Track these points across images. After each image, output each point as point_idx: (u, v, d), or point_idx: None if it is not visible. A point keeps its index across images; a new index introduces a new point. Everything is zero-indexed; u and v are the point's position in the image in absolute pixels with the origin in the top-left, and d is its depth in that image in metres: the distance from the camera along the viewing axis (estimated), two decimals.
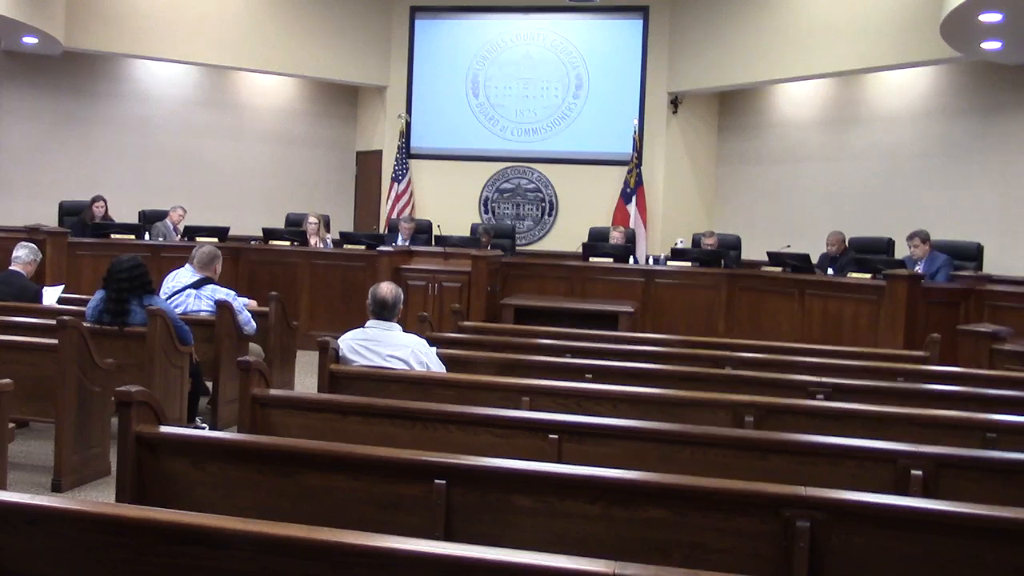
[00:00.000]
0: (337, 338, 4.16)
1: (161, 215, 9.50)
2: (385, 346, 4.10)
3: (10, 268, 5.86)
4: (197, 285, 5.71)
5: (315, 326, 8.39)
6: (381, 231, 10.93)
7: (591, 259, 9.02)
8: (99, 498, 4.23)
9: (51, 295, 6.09)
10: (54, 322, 4.39)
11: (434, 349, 4.33)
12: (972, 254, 7.61)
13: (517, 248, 10.43)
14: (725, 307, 8.40)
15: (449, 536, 2.40)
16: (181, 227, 9.29)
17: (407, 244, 9.27)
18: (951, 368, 5.04)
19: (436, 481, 2.44)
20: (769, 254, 8.49)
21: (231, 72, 11.30)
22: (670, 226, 10.85)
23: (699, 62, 10.59)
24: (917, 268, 7.14)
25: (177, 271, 5.85)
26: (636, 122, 10.83)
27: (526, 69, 11.36)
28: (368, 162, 12.17)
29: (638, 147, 10.74)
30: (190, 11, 10.37)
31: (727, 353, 5.09)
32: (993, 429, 3.37)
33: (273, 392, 3.42)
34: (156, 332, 4.82)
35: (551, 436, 3.05)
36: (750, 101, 10.92)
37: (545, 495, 2.40)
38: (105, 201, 9.42)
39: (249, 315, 5.70)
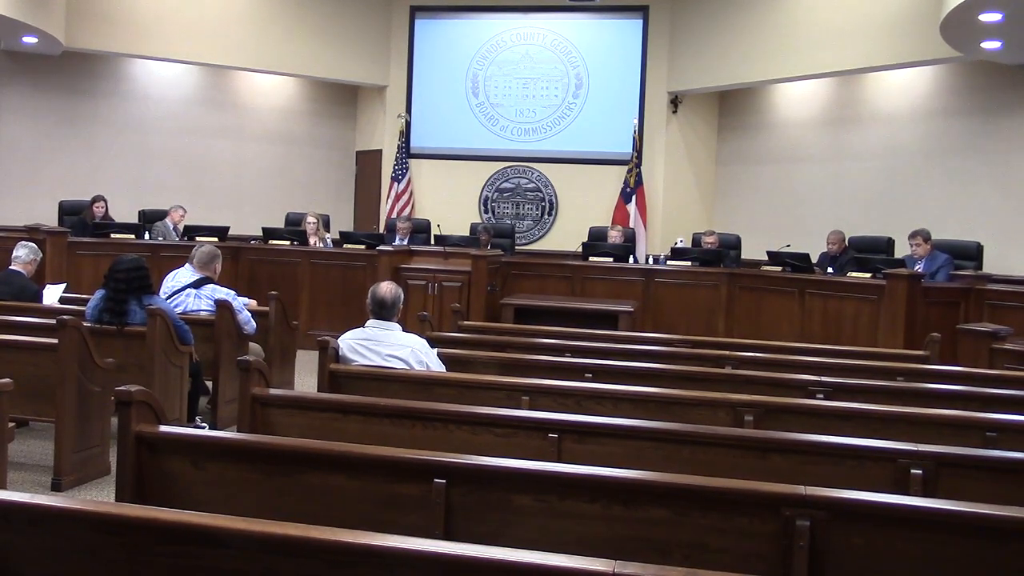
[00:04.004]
0: (337, 338, 4.16)
1: (161, 215, 9.51)
2: (385, 346, 4.10)
3: (10, 268, 5.86)
4: (197, 285, 5.71)
5: (315, 326, 8.39)
6: (381, 231, 10.93)
7: (591, 258, 9.02)
8: (99, 498, 4.23)
9: (53, 293, 6.09)
10: (54, 322, 4.39)
11: (435, 350, 4.33)
12: (972, 254, 7.61)
13: (517, 248, 10.43)
14: (725, 307, 8.40)
15: (449, 535, 2.40)
16: (181, 227, 9.29)
17: (405, 244, 9.28)
18: (951, 367, 5.04)
19: (436, 480, 2.44)
20: (769, 254, 8.48)
21: (231, 72, 11.29)
22: (670, 226, 10.85)
23: (699, 62, 10.59)
24: (918, 267, 7.14)
25: (177, 271, 5.86)
26: (636, 122, 10.83)
27: (526, 69, 11.36)
28: (368, 162, 12.17)
29: (638, 147, 10.74)
30: (190, 11, 10.36)
31: (727, 352, 5.09)
32: (993, 428, 3.37)
33: (273, 392, 3.42)
34: (156, 332, 4.82)
35: (551, 435, 3.05)
36: (750, 101, 10.92)
37: (545, 494, 2.40)
38: (105, 201, 9.42)
39: (249, 315, 5.70)
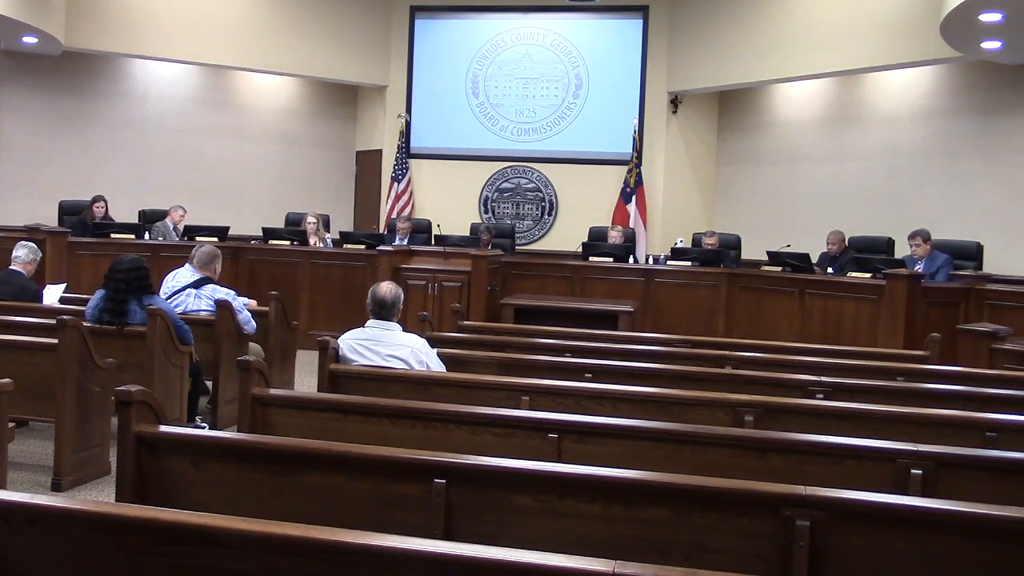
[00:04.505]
0: (337, 338, 4.16)
1: (161, 215, 9.51)
2: (385, 346, 4.10)
3: (10, 268, 5.86)
4: (197, 285, 5.71)
5: (315, 326, 8.39)
6: (381, 231, 10.93)
7: (591, 258, 9.02)
8: (99, 498, 4.23)
9: (53, 293, 6.09)
10: (54, 322, 4.39)
11: (435, 350, 4.33)
12: (972, 254, 7.60)
13: (517, 248, 10.43)
14: (725, 307, 8.40)
15: (448, 535, 2.40)
16: (181, 227, 9.29)
17: (404, 243, 9.28)
18: (951, 367, 5.04)
19: (436, 480, 2.44)
20: (769, 254, 8.48)
21: (231, 72, 11.30)
22: (670, 226, 10.85)
23: (699, 62, 10.59)
24: (918, 267, 7.15)
25: (177, 271, 5.86)
26: (636, 122, 10.83)
27: (526, 69, 11.36)
28: (368, 162, 12.17)
29: (638, 147, 10.74)
30: (190, 11, 10.36)
31: (727, 352, 5.09)
32: (993, 428, 3.37)
33: (273, 392, 3.42)
34: (156, 332, 4.82)
35: (551, 435, 3.05)
36: (750, 101, 10.92)
37: (545, 494, 2.40)
38: (105, 201, 9.42)
39: (249, 315, 5.70)
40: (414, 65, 11.54)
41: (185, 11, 10.34)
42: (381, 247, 8.50)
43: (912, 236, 7.35)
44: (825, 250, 8.41)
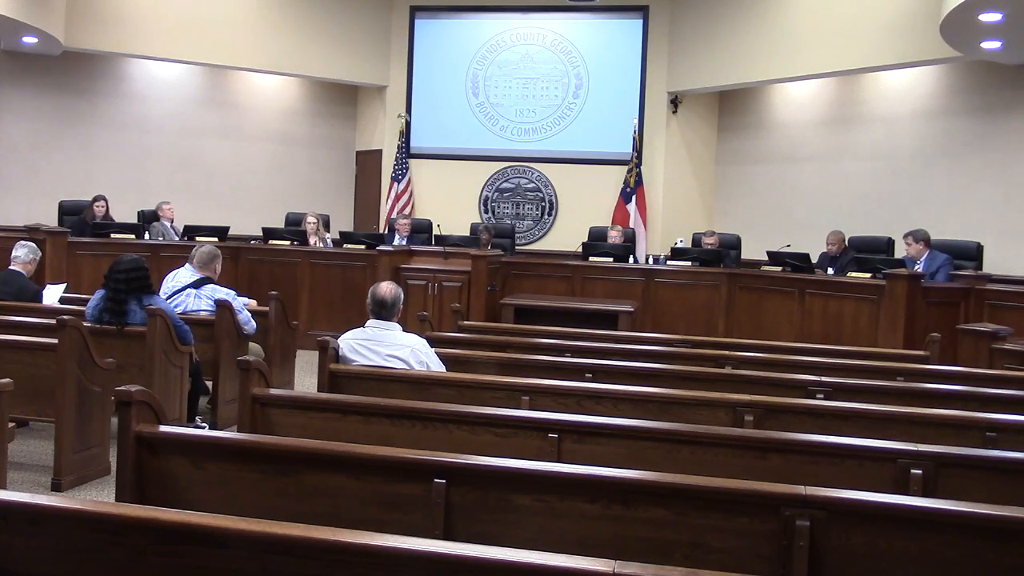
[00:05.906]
0: (337, 338, 4.16)
1: (157, 216, 9.51)
2: (385, 346, 4.10)
3: (10, 268, 5.86)
4: (197, 285, 5.71)
5: (315, 326, 8.39)
6: (381, 231, 10.93)
7: (591, 258, 9.02)
8: (99, 498, 4.23)
9: (53, 293, 6.09)
10: (54, 322, 4.39)
11: (434, 349, 4.33)
12: (972, 254, 7.60)
13: (517, 247, 10.43)
14: (725, 307, 8.40)
15: (448, 535, 2.40)
16: (175, 220, 9.30)
17: (404, 242, 9.28)
18: (951, 367, 5.04)
19: (436, 480, 2.44)
20: (769, 254, 8.48)
21: (231, 72, 11.29)
22: (670, 226, 10.85)
23: (699, 62, 10.59)
24: (917, 267, 7.15)
25: (177, 271, 5.86)
26: (636, 122, 10.83)
27: (526, 69, 11.36)
28: (368, 162, 12.17)
29: (638, 147, 10.74)
30: (190, 11, 10.36)
31: (727, 352, 5.09)
32: (993, 428, 3.37)
33: (273, 392, 3.42)
34: (156, 332, 4.82)
35: (551, 435, 3.06)
36: (750, 101, 10.92)
37: (545, 494, 2.40)
38: (106, 201, 9.42)
39: (249, 315, 5.70)
40: (414, 65, 11.54)
41: (185, 11, 10.33)
42: (381, 247, 8.50)
43: (905, 236, 7.37)
44: (825, 250, 8.41)
